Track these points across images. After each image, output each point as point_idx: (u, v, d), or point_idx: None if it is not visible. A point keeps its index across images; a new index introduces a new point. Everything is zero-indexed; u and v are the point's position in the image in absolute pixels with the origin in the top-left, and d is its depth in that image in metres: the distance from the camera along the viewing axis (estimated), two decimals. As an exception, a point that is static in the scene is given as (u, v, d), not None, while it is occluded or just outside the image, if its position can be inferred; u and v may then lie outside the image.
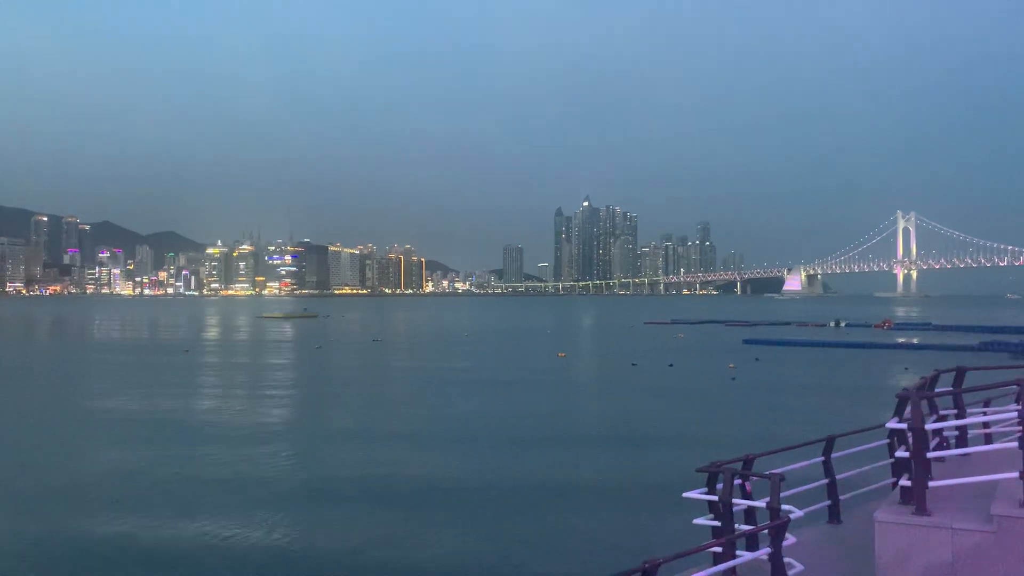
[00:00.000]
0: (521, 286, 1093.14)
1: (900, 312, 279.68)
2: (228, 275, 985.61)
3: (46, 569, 23.43)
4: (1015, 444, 12.09)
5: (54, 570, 23.40)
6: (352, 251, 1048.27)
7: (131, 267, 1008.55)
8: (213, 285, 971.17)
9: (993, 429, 15.86)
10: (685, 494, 12.65)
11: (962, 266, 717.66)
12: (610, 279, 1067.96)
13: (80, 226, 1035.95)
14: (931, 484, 10.77)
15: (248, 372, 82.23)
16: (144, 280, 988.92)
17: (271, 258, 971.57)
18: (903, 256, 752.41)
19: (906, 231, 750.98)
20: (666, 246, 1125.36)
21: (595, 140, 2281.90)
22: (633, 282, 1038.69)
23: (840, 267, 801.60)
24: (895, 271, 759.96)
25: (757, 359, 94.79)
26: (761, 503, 11.92)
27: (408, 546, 25.33)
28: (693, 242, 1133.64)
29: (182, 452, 39.36)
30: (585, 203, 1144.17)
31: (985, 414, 15.56)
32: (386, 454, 39.54)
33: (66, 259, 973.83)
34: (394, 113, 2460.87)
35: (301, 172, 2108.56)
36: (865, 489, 15.72)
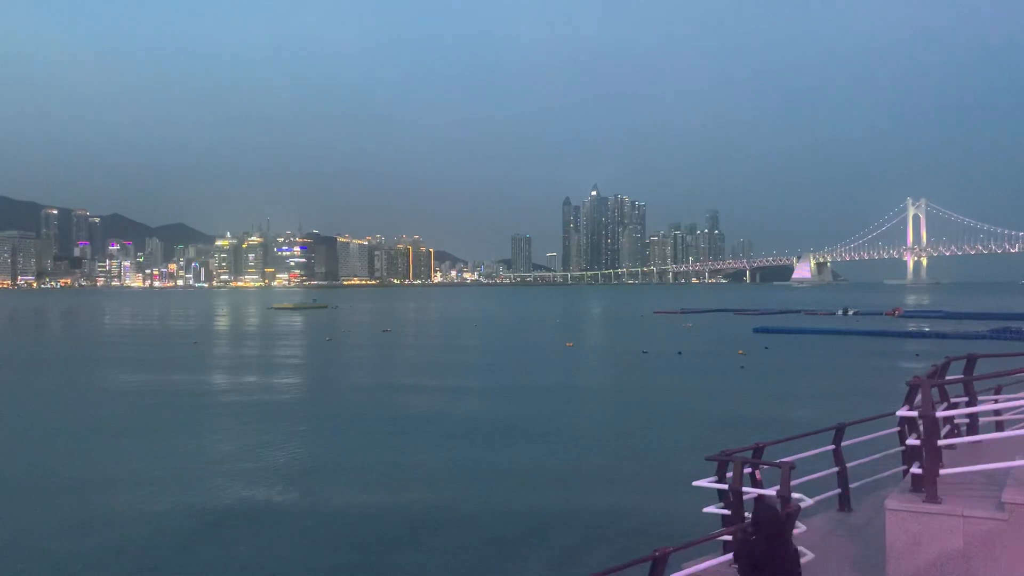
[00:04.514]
0: (530, 276, 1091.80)
1: (910, 299, 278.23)
2: (237, 267, 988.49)
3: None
4: (1026, 431, 12.06)
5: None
6: (361, 242, 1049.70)
7: (141, 259, 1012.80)
8: (223, 277, 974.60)
9: (1004, 416, 15.82)
10: (695, 482, 12.66)
11: (973, 253, 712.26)
12: (619, 268, 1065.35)
13: (90, 219, 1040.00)
14: (942, 472, 10.75)
15: (259, 365, 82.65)
16: (154, 272, 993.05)
17: (280, 249, 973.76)
18: (913, 243, 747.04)
19: (916, 218, 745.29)
20: (675, 235, 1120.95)
21: (603, 129, 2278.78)
22: (642, 271, 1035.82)
23: (850, 255, 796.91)
24: (905, 258, 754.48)
25: (767, 347, 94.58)
26: (771, 491, 11.93)
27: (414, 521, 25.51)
28: (702, 231, 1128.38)
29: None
30: (593, 192, 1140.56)
31: (996, 401, 15.51)
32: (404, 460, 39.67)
33: (76, 252, 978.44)
34: (402, 104, 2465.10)
35: (309, 164, 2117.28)
36: (875, 477, 15.70)
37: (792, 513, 11.22)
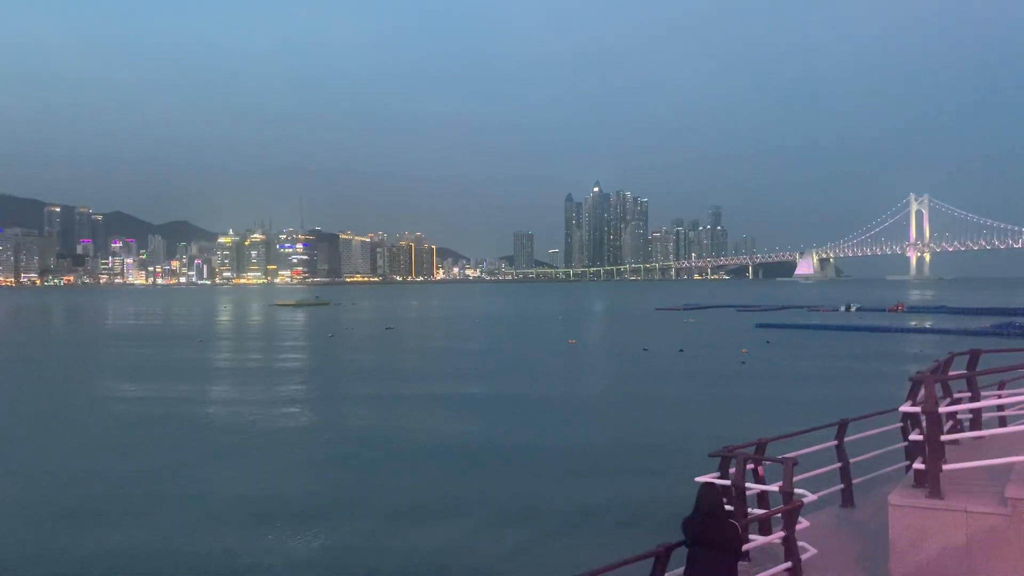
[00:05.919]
0: (532, 272, 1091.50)
1: (913, 295, 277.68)
2: (240, 264, 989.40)
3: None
4: (1030, 427, 12.04)
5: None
6: (363, 239, 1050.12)
7: (143, 257, 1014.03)
8: (225, 274, 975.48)
9: (1008, 412, 15.79)
10: (698, 479, 12.66)
11: (976, 248, 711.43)
12: (621, 265, 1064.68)
13: (93, 216, 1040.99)
14: (945, 467, 10.73)
15: (262, 365, 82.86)
16: (157, 269, 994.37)
17: (283, 246, 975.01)
18: (916, 239, 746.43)
19: (919, 213, 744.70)
20: (677, 231, 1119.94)
21: (605, 126, 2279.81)
22: (644, 268, 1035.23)
23: (852, 250, 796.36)
24: (908, 254, 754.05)
25: (769, 343, 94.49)
26: (774, 487, 11.94)
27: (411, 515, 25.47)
28: (704, 227, 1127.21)
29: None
30: (595, 189, 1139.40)
31: (999, 397, 15.48)
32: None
33: (79, 249, 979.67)
34: (404, 101, 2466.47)
35: (312, 161, 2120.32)
36: (878, 473, 15.71)
37: (796, 505, 11.22)
